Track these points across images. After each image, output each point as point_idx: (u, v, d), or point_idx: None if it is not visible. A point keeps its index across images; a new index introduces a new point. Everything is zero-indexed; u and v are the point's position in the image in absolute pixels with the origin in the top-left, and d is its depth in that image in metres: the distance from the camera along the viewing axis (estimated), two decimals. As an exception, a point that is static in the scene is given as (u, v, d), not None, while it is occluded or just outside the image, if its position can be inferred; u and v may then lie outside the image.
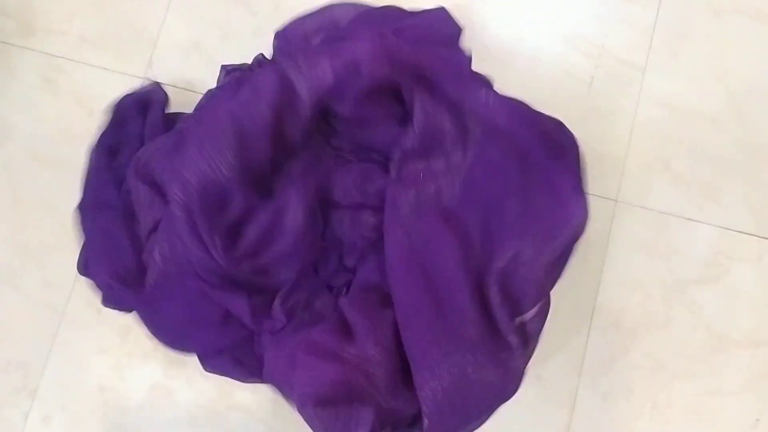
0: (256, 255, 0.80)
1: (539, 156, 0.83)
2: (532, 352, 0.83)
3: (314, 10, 0.93)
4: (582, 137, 0.90)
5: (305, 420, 0.77)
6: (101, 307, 0.89)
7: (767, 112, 0.97)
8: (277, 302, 0.81)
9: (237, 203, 0.78)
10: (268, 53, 0.97)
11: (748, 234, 0.94)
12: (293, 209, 0.81)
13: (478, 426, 0.83)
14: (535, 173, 0.82)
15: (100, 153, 0.90)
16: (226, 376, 0.84)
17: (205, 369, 0.84)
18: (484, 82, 0.88)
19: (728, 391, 0.91)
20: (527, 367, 0.83)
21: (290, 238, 0.80)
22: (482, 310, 0.79)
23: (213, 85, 0.94)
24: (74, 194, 0.92)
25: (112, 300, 0.87)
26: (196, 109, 0.92)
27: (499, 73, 0.92)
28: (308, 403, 0.75)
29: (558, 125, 0.92)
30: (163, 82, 0.99)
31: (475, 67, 0.91)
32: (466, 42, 0.94)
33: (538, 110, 0.91)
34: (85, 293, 0.92)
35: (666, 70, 0.99)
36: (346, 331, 0.79)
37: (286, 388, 0.80)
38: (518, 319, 0.81)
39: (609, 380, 0.91)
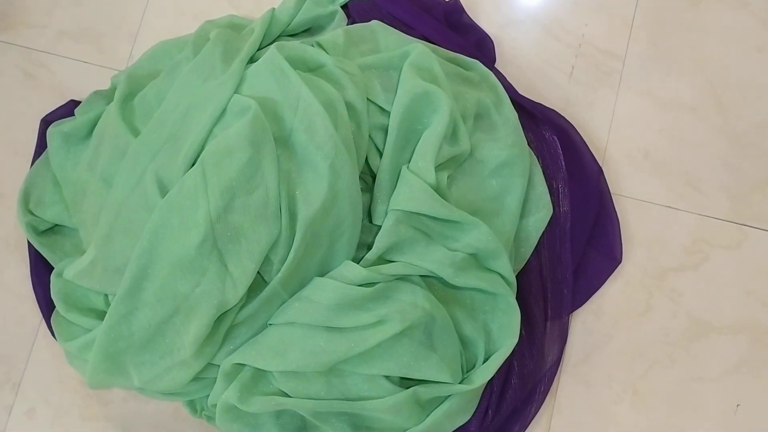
0: None
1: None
2: None
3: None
4: (562, 127, 0.91)
5: None
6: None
7: (746, 101, 0.98)
8: None
9: None
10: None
11: (728, 221, 0.95)
12: None
13: None
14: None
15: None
16: None
17: None
18: None
19: (709, 377, 0.92)
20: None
21: None
22: None
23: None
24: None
25: None
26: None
27: (480, 64, 0.93)
28: None
29: (556, 114, 0.96)
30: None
31: (455, 57, 0.91)
32: (446, 32, 0.95)
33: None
34: (68, 287, 0.92)
35: (645, 59, 0.99)
36: None
37: None
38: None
39: (590, 367, 0.92)
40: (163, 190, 0.79)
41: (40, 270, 0.92)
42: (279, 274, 0.78)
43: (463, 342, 0.85)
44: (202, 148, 0.79)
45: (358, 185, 0.81)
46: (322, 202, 0.78)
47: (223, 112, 0.80)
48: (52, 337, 0.90)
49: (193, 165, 0.78)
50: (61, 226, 0.92)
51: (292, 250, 0.78)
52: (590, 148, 0.96)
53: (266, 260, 0.79)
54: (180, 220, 0.76)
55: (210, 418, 0.86)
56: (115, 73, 0.97)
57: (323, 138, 0.78)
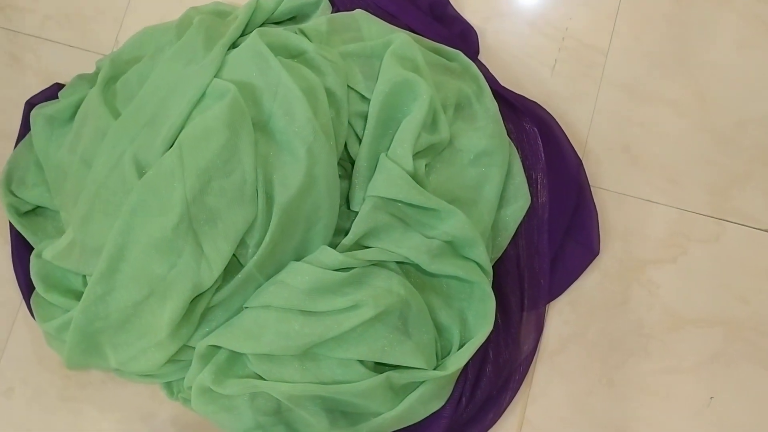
0: None
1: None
2: None
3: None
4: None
5: None
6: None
7: (727, 97, 0.98)
8: None
9: None
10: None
11: (706, 215, 0.96)
12: None
13: None
14: None
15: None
16: None
17: None
18: None
19: (683, 369, 0.92)
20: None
21: None
22: None
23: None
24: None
25: None
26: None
27: (462, 54, 0.94)
28: None
29: (538, 106, 0.97)
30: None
31: (437, 47, 0.92)
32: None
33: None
34: (48, 268, 0.92)
35: (628, 54, 1.00)
36: None
37: None
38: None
39: (566, 358, 0.92)
40: (141, 172, 0.79)
41: (22, 251, 0.92)
42: (254, 257, 0.79)
43: (439, 329, 0.86)
44: (181, 130, 0.79)
45: (335, 171, 0.82)
46: (298, 187, 0.79)
47: (203, 96, 0.81)
48: (32, 317, 0.91)
49: (171, 147, 0.79)
50: (42, 207, 0.93)
51: (267, 234, 0.79)
52: (571, 140, 0.96)
53: (242, 243, 0.80)
54: (156, 202, 0.77)
55: (186, 401, 0.86)
56: (100, 57, 0.98)
57: (301, 123, 0.79)
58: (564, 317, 0.93)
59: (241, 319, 0.81)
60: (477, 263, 0.86)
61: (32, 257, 0.89)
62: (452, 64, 0.94)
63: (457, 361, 0.83)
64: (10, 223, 0.92)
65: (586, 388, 0.92)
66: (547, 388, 0.92)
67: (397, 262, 0.85)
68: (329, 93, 0.83)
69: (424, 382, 0.83)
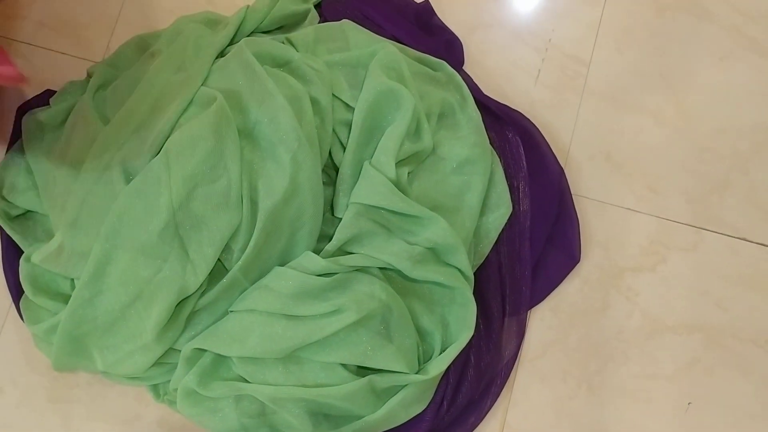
0: None
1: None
2: None
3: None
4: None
5: None
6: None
7: (706, 107, 1.00)
8: None
9: None
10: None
11: (685, 224, 0.97)
12: None
13: None
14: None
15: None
16: None
17: None
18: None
19: (662, 374, 0.94)
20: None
21: None
22: None
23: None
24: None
25: None
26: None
27: (447, 64, 0.96)
28: None
29: (521, 116, 0.99)
30: (120, 67, 1.01)
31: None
32: (415, 33, 0.97)
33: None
34: (38, 272, 0.94)
35: (610, 64, 1.02)
36: None
37: None
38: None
39: (546, 363, 0.94)
40: (129, 178, 0.81)
41: (12, 255, 0.94)
42: (239, 262, 0.81)
43: (421, 334, 0.87)
44: (168, 137, 0.81)
45: (319, 178, 0.84)
46: (283, 193, 0.80)
47: (190, 103, 0.83)
48: (21, 320, 0.92)
49: (158, 154, 0.80)
50: (33, 212, 0.94)
51: (252, 239, 0.80)
52: (553, 149, 0.98)
53: (227, 249, 0.81)
54: (143, 207, 0.78)
55: (172, 403, 0.88)
56: (92, 64, 1.00)
57: (286, 131, 0.81)
58: (545, 323, 0.95)
59: (226, 323, 0.83)
60: (459, 269, 0.88)
61: (22, 261, 0.90)
62: (437, 74, 0.96)
63: (439, 365, 0.85)
64: (1, 227, 0.94)
65: (566, 393, 0.93)
66: (528, 392, 0.93)
67: (380, 268, 0.86)
68: (314, 101, 0.85)
69: (406, 385, 0.84)
